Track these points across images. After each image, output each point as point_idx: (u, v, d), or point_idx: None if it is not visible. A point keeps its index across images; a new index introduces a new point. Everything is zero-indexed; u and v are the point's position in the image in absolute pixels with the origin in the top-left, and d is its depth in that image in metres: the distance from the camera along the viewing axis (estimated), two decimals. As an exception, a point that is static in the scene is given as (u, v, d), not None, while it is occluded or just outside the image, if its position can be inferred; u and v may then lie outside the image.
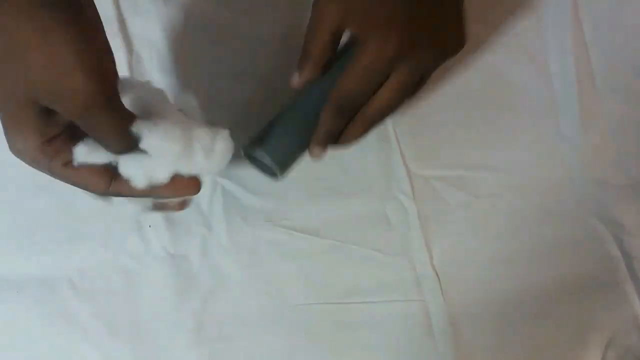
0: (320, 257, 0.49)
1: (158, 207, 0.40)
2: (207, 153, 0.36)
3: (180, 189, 0.37)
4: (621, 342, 0.48)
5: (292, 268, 0.48)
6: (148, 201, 0.39)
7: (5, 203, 0.48)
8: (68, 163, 0.34)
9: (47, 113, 0.32)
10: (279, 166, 0.41)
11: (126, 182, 0.35)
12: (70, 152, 0.34)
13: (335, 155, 0.49)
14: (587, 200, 0.51)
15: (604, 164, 0.51)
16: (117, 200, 0.38)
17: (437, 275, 0.49)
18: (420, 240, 0.49)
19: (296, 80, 0.41)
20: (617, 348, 0.48)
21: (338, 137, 0.42)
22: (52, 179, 0.36)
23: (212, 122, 0.39)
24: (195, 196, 0.38)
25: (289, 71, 0.41)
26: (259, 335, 0.47)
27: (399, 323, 0.48)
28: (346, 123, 0.41)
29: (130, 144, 0.34)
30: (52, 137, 0.33)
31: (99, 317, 0.47)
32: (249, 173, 0.48)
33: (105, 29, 0.33)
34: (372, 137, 0.49)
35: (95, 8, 0.33)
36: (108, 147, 0.34)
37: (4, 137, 0.34)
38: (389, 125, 0.50)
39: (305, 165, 0.47)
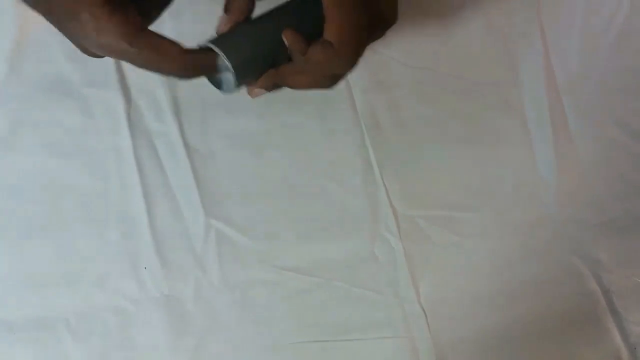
0: (311, 296, 0.50)
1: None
2: None
3: None
4: (603, 375, 0.50)
5: (283, 307, 0.50)
6: None
7: (3, 245, 0.49)
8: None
9: None
10: (233, 65, 0.35)
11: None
12: None
13: (325, 197, 0.51)
14: (565, 239, 0.53)
15: (580, 204, 0.54)
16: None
17: (424, 312, 0.50)
18: (407, 278, 0.51)
19: None
20: (600, 381, 0.50)
21: None
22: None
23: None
24: None
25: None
26: (251, 374, 0.48)
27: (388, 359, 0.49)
28: None
29: None
30: None
31: (94, 358, 0.47)
32: (241, 215, 0.50)
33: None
34: (358, 179, 0.52)
35: None
36: None
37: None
38: (375, 167, 0.52)
39: (295, 207, 0.49)
